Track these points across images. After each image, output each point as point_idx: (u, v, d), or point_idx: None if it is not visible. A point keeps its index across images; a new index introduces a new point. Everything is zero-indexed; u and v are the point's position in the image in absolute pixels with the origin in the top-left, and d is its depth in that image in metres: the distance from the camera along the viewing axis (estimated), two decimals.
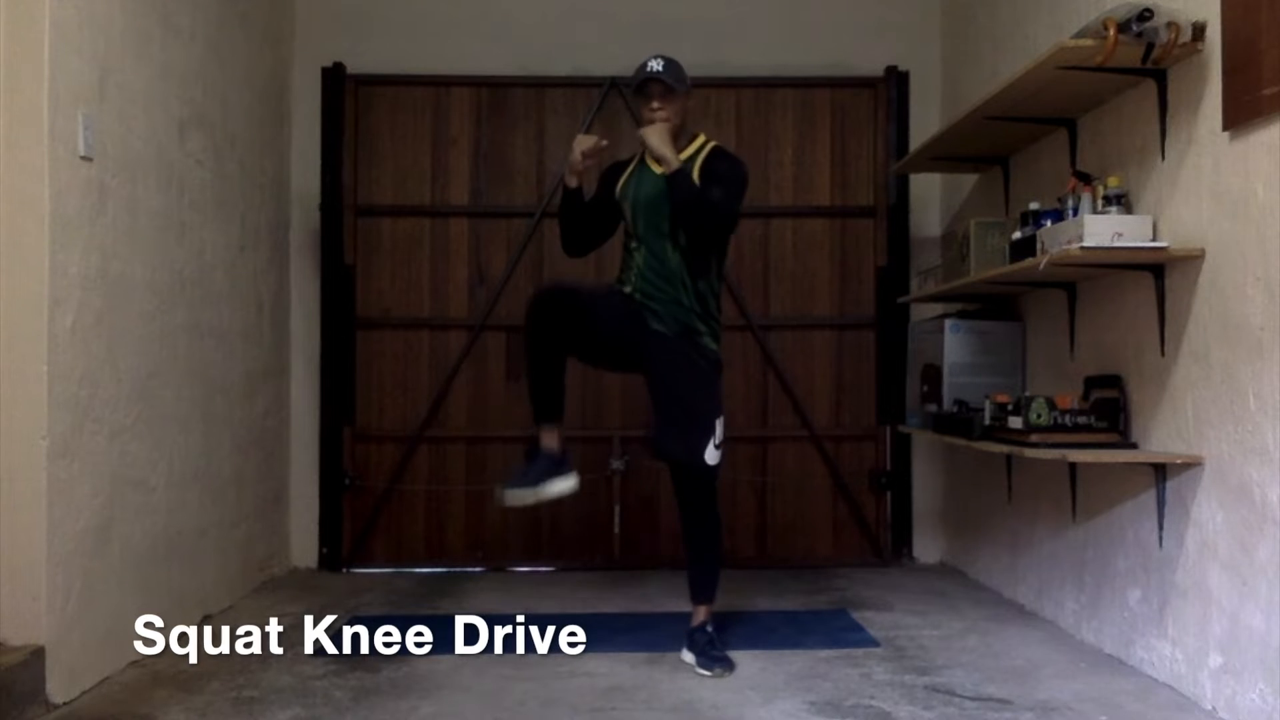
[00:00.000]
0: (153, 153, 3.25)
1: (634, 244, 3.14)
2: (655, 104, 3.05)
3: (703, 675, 2.96)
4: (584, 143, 3.12)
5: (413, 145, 4.70)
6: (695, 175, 3.04)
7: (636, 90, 3.09)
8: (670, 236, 3.07)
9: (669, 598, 3.94)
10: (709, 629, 3.11)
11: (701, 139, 3.18)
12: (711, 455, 3.04)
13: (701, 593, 3.15)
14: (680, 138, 3.10)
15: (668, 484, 4.15)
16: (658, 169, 3.08)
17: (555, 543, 4.64)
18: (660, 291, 3.07)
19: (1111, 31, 2.67)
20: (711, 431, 3.04)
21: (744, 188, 3.15)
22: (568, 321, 2.90)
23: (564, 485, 2.91)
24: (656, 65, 3.04)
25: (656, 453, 3.17)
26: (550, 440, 2.94)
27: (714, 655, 3.02)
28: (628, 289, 3.13)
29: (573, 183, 3.13)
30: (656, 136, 3.01)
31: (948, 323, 3.86)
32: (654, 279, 3.08)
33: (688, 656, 3.08)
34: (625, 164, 3.22)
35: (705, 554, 3.17)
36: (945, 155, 4.07)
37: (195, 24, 3.58)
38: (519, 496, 2.88)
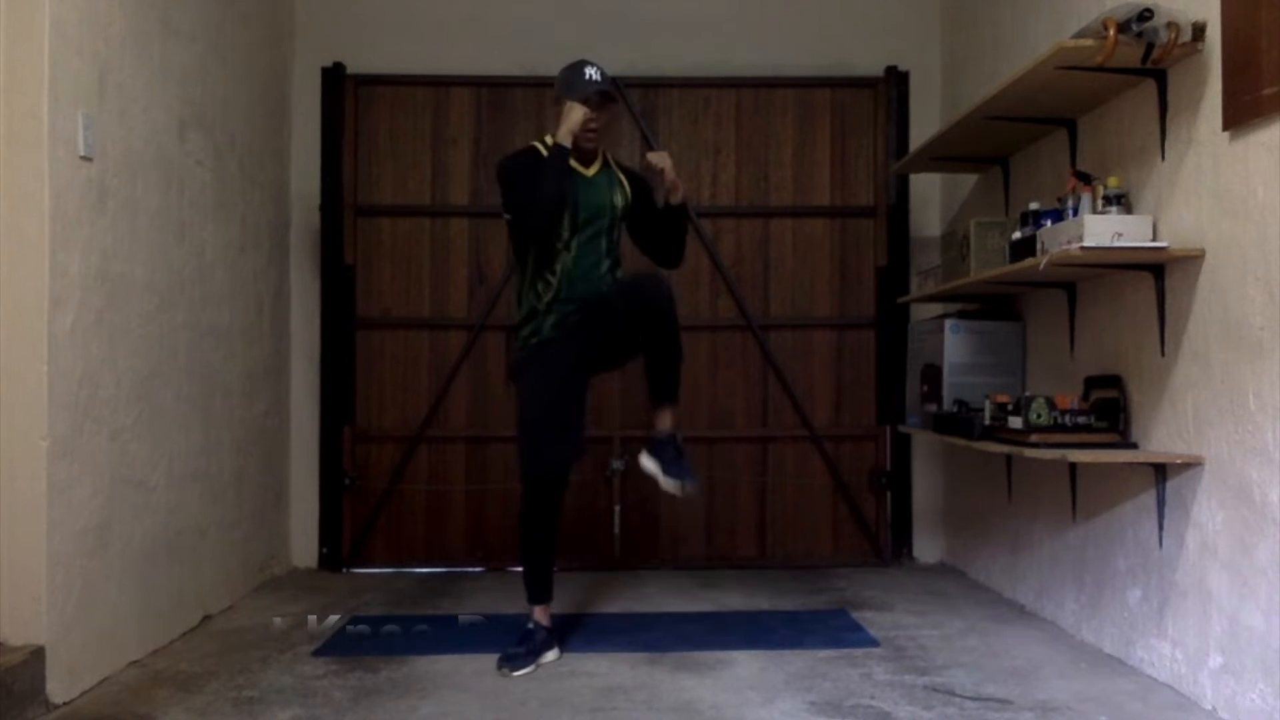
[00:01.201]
0: (153, 153, 3.26)
1: (562, 242, 3.09)
2: (595, 114, 3.08)
3: (667, 487, 2.96)
4: (584, 109, 3.05)
5: (413, 145, 4.70)
6: (625, 182, 3.23)
7: (584, 99, 3.06)
8: (606, 245, 3.15)
9: (669, 598, 3.95)
10: (678, 439, 3.08)
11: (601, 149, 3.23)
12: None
13: (668, 392, 3.08)
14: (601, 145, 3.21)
15: None
16: (587, 171, 3.15)
17: (555, 543, 4.63)
18: (588, 285, 3.10)
19: (1111, 31, 2.67)
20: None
21: None
22: (564, 481, 3.17)
23: (554, 655, 3.13)
24: (595, 74, 3.11)
25: (631, 298, 3.07)
26: (543, 617, 3.17)
27: (682, 466, 3.00)
28: (549, 310, 3.08)
29: (569, 141, 3.03)
30: (672, 168, 3.17)
31: (948, 323, 3.86)
32: (583, 275, 3.10)
33: (649, 464, 3.05)
34: (527, 156, 3.11)
35: (671, 361, 3.08)
36: (945, 155, 4.07)
37: (195, 24, 3.59)
38: (522, 670, 3.01)
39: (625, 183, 3.22)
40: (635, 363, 3.21)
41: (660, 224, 3.27)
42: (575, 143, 3.07)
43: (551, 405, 3.10)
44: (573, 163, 3.10)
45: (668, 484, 2.98)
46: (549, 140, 3.10)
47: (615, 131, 3.21)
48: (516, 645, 3.07)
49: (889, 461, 4.71)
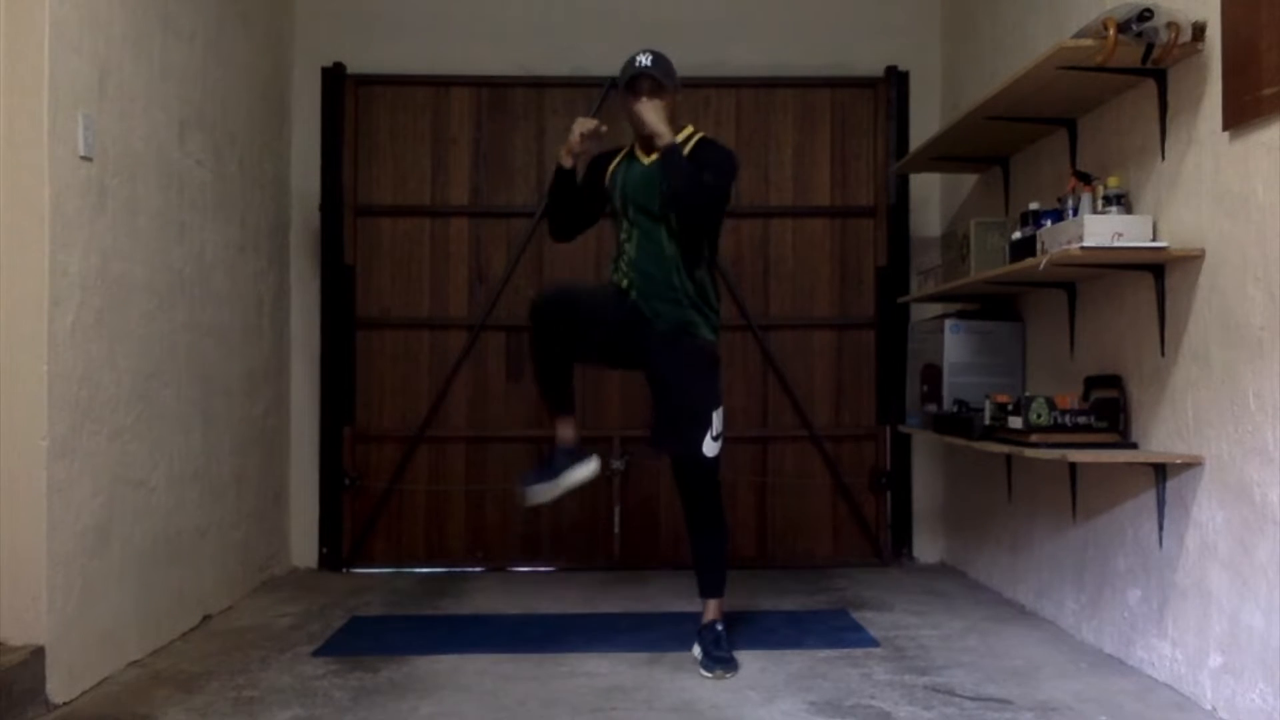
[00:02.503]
0: (153, 153, 3.26)
1: (625, 233, 3.12)
2: (644, 99, 3.02)
3: (704, 676, 2.96)
4: (584, 124, 3.10)
5: (413, 145, 4.70)
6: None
7: (626, 87, 3.05)
8: (664, 221, 3.05)
9: (669, 598, 3.94)
10: (718, 627, 3.09)
11: (689, 129, 3.17)
12: (710, 447, 3.03)
13: (710, 587, 3.14)
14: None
15: (668, 484, 4.16)
16: (646, 159, 3.10)
17: (555, 543, 4.64)
18: (655, 283, 3.05)
19: (1111, 31, 2.67)
20: (708, 424, 3.02)
21: (734, 172, 3.12)
22: (569, 328, 2.97)
23: (585, 470, 2.98)
24: (645, 60, 3.02)
25: (654, 446, 3.18)
26: (566, 431, 3.02)
27: (716, 656, 3.01)
28: (624, 284, 3.11)
29: (568, 162, 3.11)
30: (653, 113, 2.98)
31: (948, 323, 3.86)
32: (648, 269, 3.06)
33: (696, 652, 3.08)
34: (612, 154, 3.22)
35: (711, 549, 3.14)
36: (945, 155, 4.07)
37: (195, 24, 3.59)
38: (542, 493, 2.90)
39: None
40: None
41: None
42: (637, 130, 3.07)
43: (588, 293, 3.18)
44: (635, 150, 3.13)
45: (706, 673, 2.96)
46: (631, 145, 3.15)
47: (676, 113, 3.09)
48: (542, 467, 2.96)
49: (889, 461, 4.71)
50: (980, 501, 4.27)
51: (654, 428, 3.14)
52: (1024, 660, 3.11)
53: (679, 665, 3.07)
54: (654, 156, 3.05)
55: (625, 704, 2.73)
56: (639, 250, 3.07)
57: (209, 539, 3.69)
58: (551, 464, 2.96)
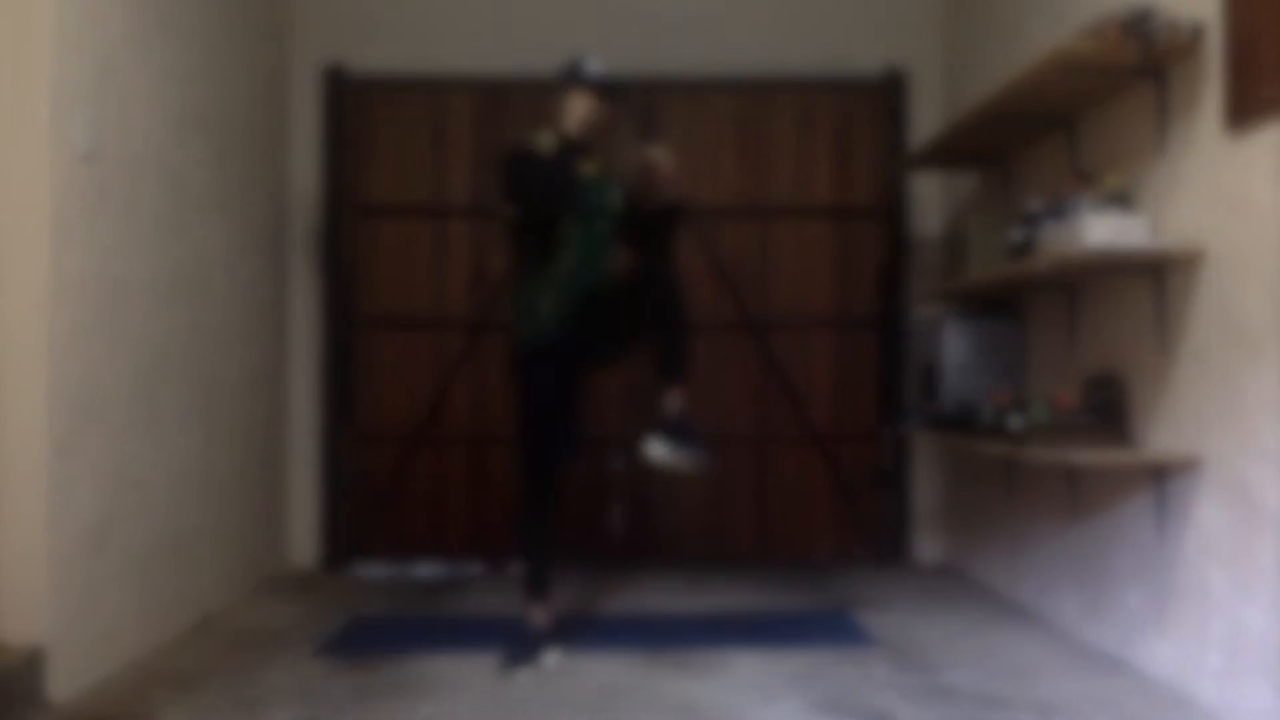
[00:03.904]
0: (153, 153, 3.26)
1: (565, 241, 3.06)
2: (599, 104, 3.09)
3: (671, 462, 2.87)
4: (585, 102, 3.12)
5: (412, 145, 4.70)
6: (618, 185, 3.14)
7: (590, 87, 3.10)
8: (606, 241, 3.12)
9: (669, 597, 3.95)
10: (686, 416, 2.95)
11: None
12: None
13: (674, 366, 2.97)
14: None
15: (668, 484, 4.17)
16: (586, 166, 3.11)
17: (553, 542, 4.63)
18: (592, 281, 3.07)
19: (1112, 32, 2.67)
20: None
21: None
22: (558, 448, 3.09)
23: (555, 655, 3.11)
24: (599, 68, 3.11)
25: (650, 277, 3.03)
26: (543, 616, 3.14)
27: (696, 446, 2.90)
28: (554, 320, 3.05)
29: (577, 131, 3.11)
30: (669, 164, 3.02)
31: (948, 323, 3.86)
32: (588, 274, 3.07)
33: (656, 450, 2.92)
34: (529, 150, 3.11)
35: (678, 335, 2.98)
36: (946, 155, 4.06)
37: (195, 24, 3.59)
38: (522, 671, 3.00)
39: (617, 185, 3.16)
40: (634, 363, 3.21)
41: (646, 227, 3.10)
42: (578, 137, 3.12)
43: (550, 410, 3.09)
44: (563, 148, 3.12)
45: (684, 464, 2.86)
46: (546, 138, 3.12)
47: (613, 133, 3.17)
48: (516, 646, 3.06)
49: (889, 461, 4.71)
50: (980, 501, 4.27)
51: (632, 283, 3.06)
52: (1024, 660, 3.11)
53: (679, 665, 3.07)
54: (594, 166, 3.13)
55: (625, 704, 2.73)
56: (580, 255, 3.05)
57: (209, 539, 3.69)
58: (533, 646, 3.07)
